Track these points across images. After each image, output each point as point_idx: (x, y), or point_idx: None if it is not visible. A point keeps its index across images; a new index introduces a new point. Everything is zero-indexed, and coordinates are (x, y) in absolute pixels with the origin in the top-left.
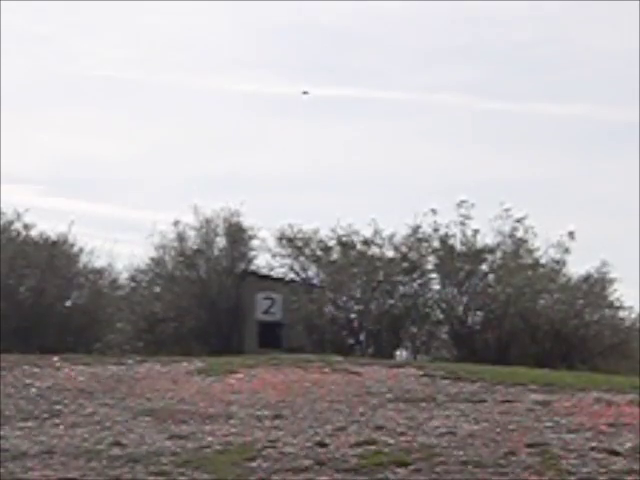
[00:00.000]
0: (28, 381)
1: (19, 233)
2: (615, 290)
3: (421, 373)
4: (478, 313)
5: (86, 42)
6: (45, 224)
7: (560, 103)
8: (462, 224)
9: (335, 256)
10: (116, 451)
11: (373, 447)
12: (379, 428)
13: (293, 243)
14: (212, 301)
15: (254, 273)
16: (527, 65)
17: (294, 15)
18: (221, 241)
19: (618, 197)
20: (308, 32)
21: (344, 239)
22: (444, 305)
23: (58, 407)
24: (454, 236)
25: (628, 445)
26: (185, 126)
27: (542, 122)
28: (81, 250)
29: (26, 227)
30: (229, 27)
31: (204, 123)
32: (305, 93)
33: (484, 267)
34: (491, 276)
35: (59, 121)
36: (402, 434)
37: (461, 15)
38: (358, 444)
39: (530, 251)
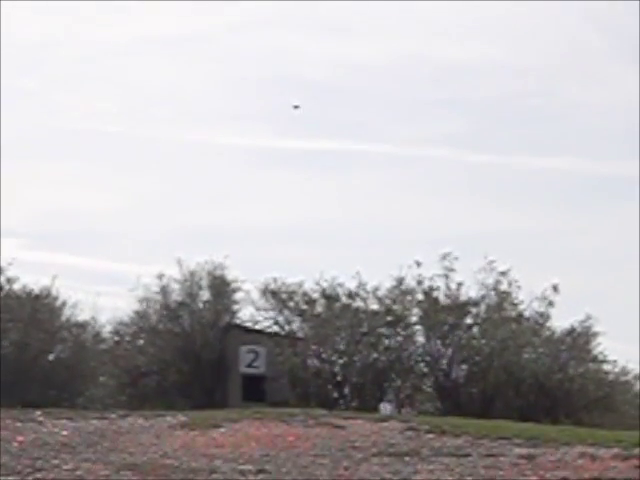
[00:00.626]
0: (10, 436)
1: (2, 287)
2: (599, 344)
3: (405, 427)
4: (462, 366)
5: (70, 96)
6: (28, 277)
7: (545, 156)
8: (446, 277)
9: (319, 309)
10: None
11: None
12: None
13: (277, 296)
14: (196, 354)
15: (238, 326)
16: (512, 118)
17: (278, 68)
18: (205, 294)
19: (602, 251)
20: (292, 84)
21: (328, 292)
22: (428, 358)
23: (40, 462)
24: (438, 289)
25: None
26: (169, 179)
27: (527, 175)
28: (64, 304)
29: (9, 281)
30: (212, 80)
31: (188, 175)
32: (296, 107)
33: (468, 320)
34: (475, 329)
35: (43, 174)
36: None
37: (446, 67)
38: None
39: (514, 304)
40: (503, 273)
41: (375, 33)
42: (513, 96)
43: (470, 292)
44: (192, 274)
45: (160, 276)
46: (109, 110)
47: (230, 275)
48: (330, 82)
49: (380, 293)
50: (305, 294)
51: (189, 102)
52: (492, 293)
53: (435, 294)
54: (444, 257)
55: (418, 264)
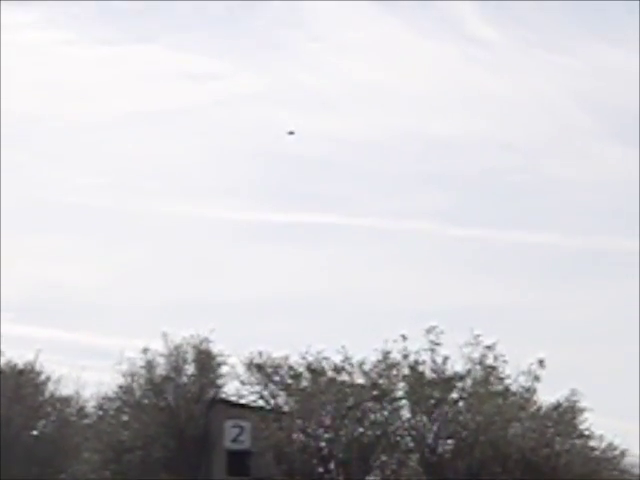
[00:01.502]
0: None
1: None
2: (585, 419)
3: None
4: (448, 441)
5: (58, 169)
6: (14, 352)
7: (529, 230)
8: (432, 350)
9: (305, 383)
10: None
11: None
12: None
13: (263, 370)
14: (180, 429)
15: (223, 400)
16: (497, 192)
17: (264, 142)
18: (190, 368)
19: (588, 325)
20: (279, 160)
21: (314, 366)
22: (414, 433)
23: None
24: (424, 363)
25: None
26: (154, 252)
27: (512, 249)
28: (48, 378)
29: None
30: (199, 154)
31: (174, 249)
32: (291, 133)
33: (454, 394)
34: (461, 403)
35: (29, 248)
36: None
37: (431, 142)
38: None
39: (500, 378)
40: (489, 347)
41: (360, 108)
42: (498, 171)
43: (456, 366)
44: (177, 348)
45: (145, 350)
46: (97, 184)
47: (215, 349)
48: (316, 156)
49: (366, 367)
50: (291, 368)
51: (176, 176)
52: (478, 367)
53: (421, 368)
54: (430, 330)
55: (404, 338)
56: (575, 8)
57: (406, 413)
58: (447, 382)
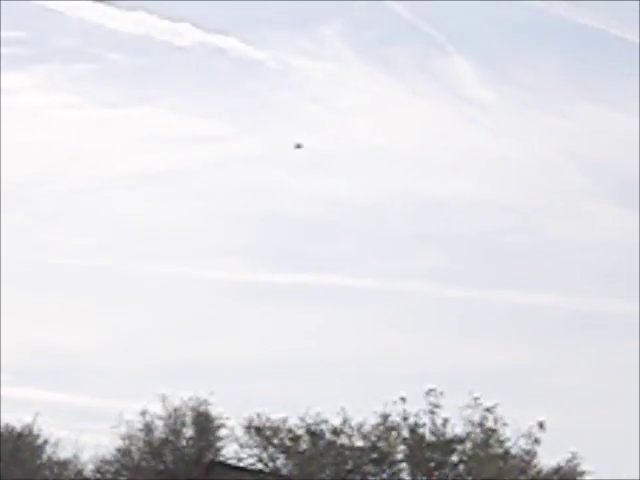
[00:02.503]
0: None
1: None
2: None
3: None
4: None
5: (55, 231)
6: (12, 415)
7: (528, 292)
8: (432, 412)
9: (304, 446)
10: None
11: None
12: None
13: (261, 432)
14: None
15: (222, 463)
16: (495, 253)
17: (262, 203)
18: (189, 431)
19: (587, 387)
20: (278, 221)
21: (313, 428)
22: None
23: None
24: (424, 425)
25: None
26: (153, 314)
27: (511, 310)
28: (46, 442)
29: None
30: (199, 215)
31: (171, 310)
32: (299, 147)
33: (454, 457)
34: (462, 467)
35: (27, 310)
36: None
37: (430, 203)
38: None
39: (500, 441)
40: (489, 409)
41: (358, 170)
42: (496, 232)
43: (456, 428)
44: (176, 410)
45: (143, 413)
46: (93, 245)
47: (214, 411)
48: (314, 217)
49: (365, 429)
50: (290, 430)
51: (174, 237)
52: (478, 430)
53: (421, 431)
54: (429, 392)
55: (403, 400)
56: (572, 70)
57: (406, 476)
58: (447, 445)
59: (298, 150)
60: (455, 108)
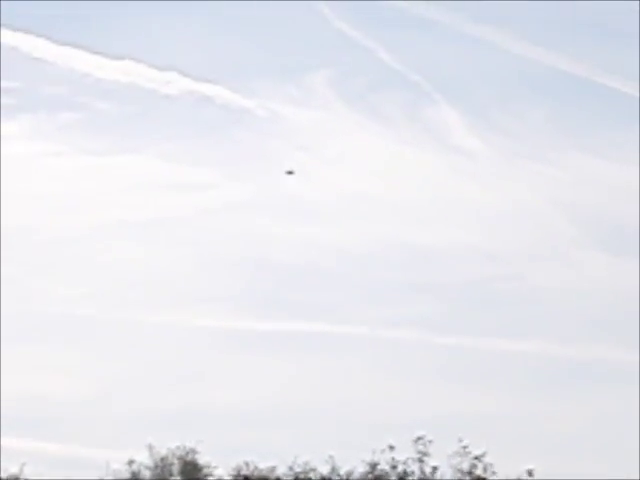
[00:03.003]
0: None
1: None
2: None
3: None
4: None
5: (42, 280)
6: None
7: (515, 339)
8: (420, 461)
9: None
10: None
11: None
12: None
13: None
14: None
15: None
16: (482, 301)
17: (250, 250)
18: None
19: (575, 435)
20: (267, 268)
21: (301, 476)
22: None
23: None
24: (412, 473)
25: None
26: (139, 362)
27: (498, 357)
28: None
29: None
30: (187, 263)
31: (158, 358)
32: (290, 173)
33: None
34: None
35: (14, 359)
36: None
37: (418, 251)
38: None
39: None
40: (478, 457)
41: (346, 217)
42: (485, 280)
43: (445, 477)
44: (163, 459)
45: (131, 462)
46: (81, 294)
47: (202, 460)
48: (302, 264)
49: (354, 478)
50: (278, 479)
51: (161, 284)
52: (467, 478)
53: (410, 479)
54: (418, 440)
55: (392, 448)
56: (559, 119)
57: None
58: None
59: (290, 176)
60: (443, 156)
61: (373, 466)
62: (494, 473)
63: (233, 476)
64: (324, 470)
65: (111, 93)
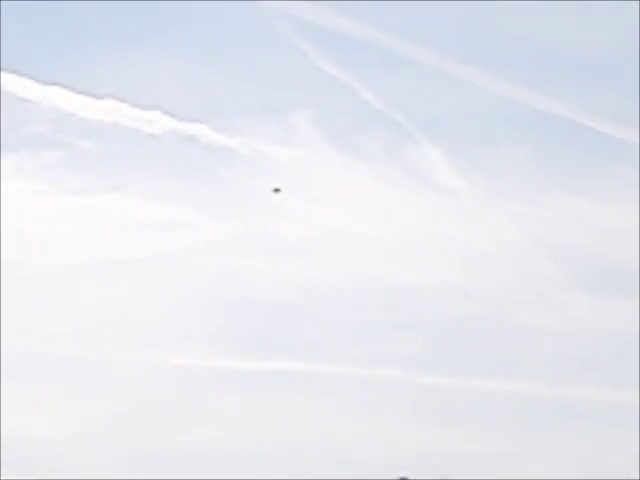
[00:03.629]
0: None
1: None
2: None
3: None
4: None
5: (24, 319)
6: None
7: (498, 379)
8: None
9: None
10: None
11: None
12: None
13: None
14: None
15: None
16: (465, 340)
17: (233, 289)
18: None
19: (558, 474)
20: (248, 307)
21: None
22: None
23: None
24: None
25: None
26: (122, 401)
27: (481, 397)
28: None
29: None
30: (168, 301)
31: (142, 397)
32: (277, 191)
33: None
34: None
35: None
36: None
37: (400, 289)
38: None
39: None
40: None
41: (329, 256)
42: (468, 319)
43: None
44: None
45: None
46: (63, 332)
47: None
48: (285, 303)
49: None
50: None
51: (144, 323)
52: None
53: None
54: None
55: None
56: (542, 159)
57: None
58: None
59: (277, 194)
60: (426, 196)
61: None
62: None
63: None
64: None
65: (94, 132)
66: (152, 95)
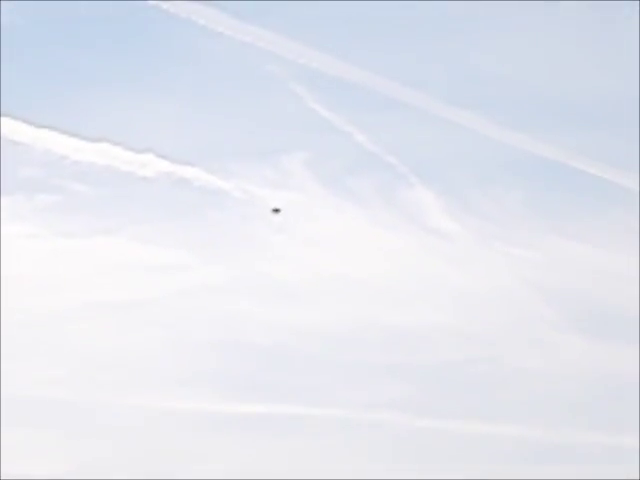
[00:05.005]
0: None
1: None
2: None
3: None
4: None
5: (17, 363)
6: None
7: (492, 422)
8: None
9: None
10: None
11: None
12: None
13: None
14: None
15: None
16: (460, 383)
17: (228, 332)
18: None
19: None
20: (244, 350)
21: None
22: None
23: None
24: None
25: None
26: (117, 445)
27: (477, 440)
28: None
29: None
30: (163, 345)
31: (137, 441)
32: (276, 211)
33: None
34: None
35: None
36: None
37: (394, 332)
38: None
39: None
40: None
41: (324, 299)
42: (461, 362)
43: None
44: None
45: None
46: (55, 376)
47: None
48: (279, 346)
49: None
50: None
51: (138, 367)
52: None
53: None
54: None
55: None
56: (536, 202)
57: None
58: None
59: (276, 214)
60: (419, 238)
61: None
62: None
63: None
64: None
65: (87, 175)
66: (145, 138)
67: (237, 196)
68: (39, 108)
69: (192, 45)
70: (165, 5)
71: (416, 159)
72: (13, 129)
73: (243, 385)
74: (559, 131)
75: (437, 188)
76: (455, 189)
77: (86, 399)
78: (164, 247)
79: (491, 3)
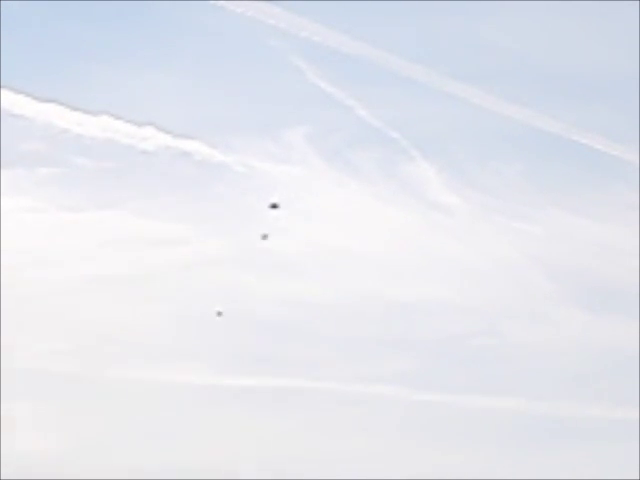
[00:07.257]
0: None
1: None
2: None
3: None
4: None
5: (19, 335)
6: None
7: (493, 395)
8: None
9: None
10: None
11: None
12: None
13: None
14: None
15: None
16: (460, 357)
17: (229, 305)
18: None
19: None
20: (245, 324)
21: None
22: None
23: None
24: None
25: None
26: (118, 418)
27: (476, 414)
28: None
29: None
30: (165, 318)
31: (137, 414)
32: (274, 207)
33: None
34: None
35: None
36: None
37: (395, 307)
38: None
39: None
40: None
41: (325, 273)
42: (462, 336)
43: None
44: None
45: None
46: (57, 349)
47: None
48: (280, 320)
49: None
50: None
51: (137, 340)
52: None
53: None
54: None
55: None
56: (537, 176)
57: None
58: None
59: (274, 210)
60: (420, 212)
61: None
62: None
63: None
64: None
65: (89, 149)
66: (146, 111)
67: (238, 170)
68: (40, 82)
69: (194, 19)
70: None
71: (417, 133)
72: (14, 102)
73: (244, 358)
74: (560, 105)
75: (438, 162)
76: (456, 163)
77: (88, 372)
78: (165, 221)
79: None
